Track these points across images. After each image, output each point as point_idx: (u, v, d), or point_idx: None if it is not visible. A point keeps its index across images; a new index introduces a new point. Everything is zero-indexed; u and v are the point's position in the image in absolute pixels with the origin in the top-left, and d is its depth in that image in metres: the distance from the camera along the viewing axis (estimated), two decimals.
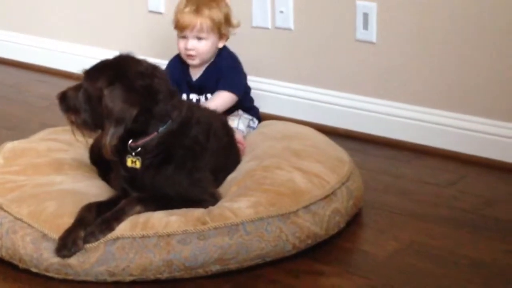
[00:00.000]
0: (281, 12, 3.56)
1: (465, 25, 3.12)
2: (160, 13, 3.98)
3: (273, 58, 3.61)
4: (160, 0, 3.96)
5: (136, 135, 2.44)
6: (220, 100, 2.99)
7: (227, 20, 3.05)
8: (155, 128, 2.44)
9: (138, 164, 2.46)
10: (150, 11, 4.02)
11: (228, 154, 2.74)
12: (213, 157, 2.58)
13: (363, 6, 3.33)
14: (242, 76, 3.11)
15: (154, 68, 2.48)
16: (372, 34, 3.34)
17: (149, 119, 2.42)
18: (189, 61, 3.04)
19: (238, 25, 3.12)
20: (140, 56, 2.51)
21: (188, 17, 2.98)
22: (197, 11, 2.98)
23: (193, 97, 3.08)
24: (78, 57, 4.30)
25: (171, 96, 2.47)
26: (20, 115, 3.83)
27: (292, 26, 3.56)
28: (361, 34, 3.37)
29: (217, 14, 3.00)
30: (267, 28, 3.61)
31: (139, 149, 2.45)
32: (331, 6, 3.43)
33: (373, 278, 2.36)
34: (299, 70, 3.59)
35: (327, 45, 3.48)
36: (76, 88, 2.46)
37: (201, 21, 2.97)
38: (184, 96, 3.06)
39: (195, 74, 3.08)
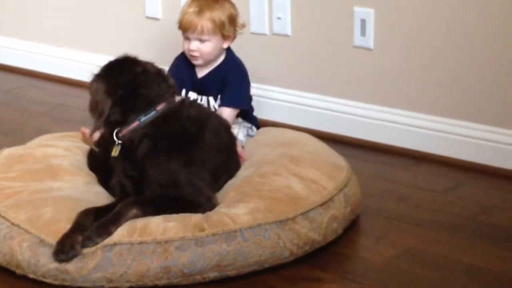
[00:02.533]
0: (279, 18, 3.56)
1: (462, 32, 3.13)
2: (158, 19, 3.98)
3: (270, 64, 3.61)
4: (158, 6, 3.96)
5: (119, 125, 2.54)
6: (223, 116, 2.98)
7: (232, 21, 3.03)
8: (136, 118, 2.53)
9: (116, 152, 2.55)
10: (147, 17, 4.02)
11: (230, 156, 2.75)
12: (212, 155, 2.61)
13: (361, 12, 3.34)
14: (247, 88, 3.10)
15: (149, 68, 2.61)
16: (369, 41, 3.34)
17: (127, 110, 2.53)
18: (193, 61, 3.05)
19: (244, 26, 3.12)
20: None
21: (189, 19, 2.98)
22: (199, 13, 2.96)
23: (193, 95, 3.08)
24: (74, 62, 4.30)
25: (156, 90, 2.57)
26: (16, 120, 3.82)
27: (289, 32, 3.56)
28: (358, 40, 3.37)
29: (220, 16, 2.98)
30: (265, 34, 3.61)
31: (125, 138, 2.54)
32: (328, 13, 3.44)
33: (370, 284, 2.37)
34: (296, 76, 3.59)
35: (324, 51, 3.48)
36: None
37: (202, 23, 2.96)
38: (183, 93, 3.07)
39: (200, 73, 3.08)
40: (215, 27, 2.97)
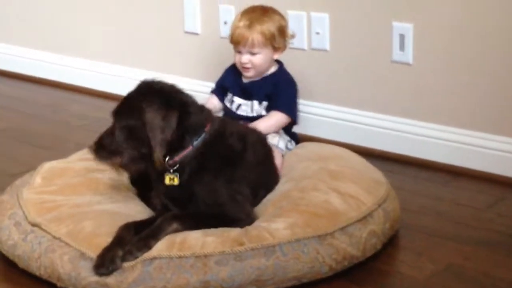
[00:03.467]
0: (317, 33, 3.57)
1: (501, 46, 3.11)
2: (197, 34, 4.01)
3: (309, 79, 3.62)
4: (197, 21, 3.99)
5: (172, 151, 2.48)
6: (273, 120, 3.02)
7: (282, 32, 3.07)
8: (190, 142, 2.49)
9: (176, 181, 2.51)
10: (187, 32, 4.05)
11: (268, 170, 2.75)
12: (252, 171, 2.60)
13: (400, 27, 3.33)
14: (297, 101, 3.12)
15: (177, 86, 2.55)
16: (408, 56, 3.33)
17: (184, 132, 2.48)
18: (245, 73, 3.08)
19: (293, 36, 3.18)
20: (175, 77, 2.57)
21: (240, 32, 3.02)
22: (249, 26, 3.01)
23: (238, 100, 3.10)
24: (114, 77, 4.34)
25: (202, 110, 2.55)
26: (56, 134, 3.86)
27: (328, 47, 3.57)
28: (397, 55, 3.37)
29: (270, 28, 3.02)
30: (304, 49, 3.62)
31: (177, 165, 2.50)
32: (367, 27, 3.44)
33: None
34: (335, 91, 3.59)
35: (363, 66, 3.48)
36: (109, 132, 2.53)
37: (253, 36, 3.00)
38: (229, 97, 3.11)
39: (247, 80, 3.11)
40: (266, 39, 3.02)
